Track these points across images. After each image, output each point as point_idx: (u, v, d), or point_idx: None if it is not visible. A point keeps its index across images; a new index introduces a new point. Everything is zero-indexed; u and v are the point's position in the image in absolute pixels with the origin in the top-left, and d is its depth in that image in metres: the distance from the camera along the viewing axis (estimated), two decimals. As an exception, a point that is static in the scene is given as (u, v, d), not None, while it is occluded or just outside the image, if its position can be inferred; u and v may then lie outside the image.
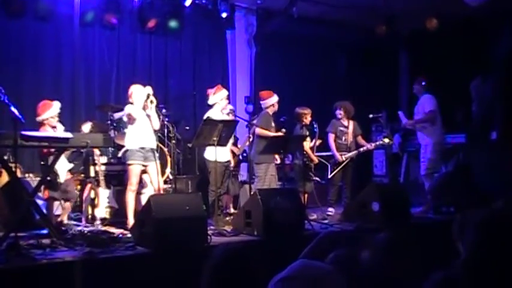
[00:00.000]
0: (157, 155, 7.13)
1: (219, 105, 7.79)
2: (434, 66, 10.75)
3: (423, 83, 8.67)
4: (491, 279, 1.64)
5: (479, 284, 1.67)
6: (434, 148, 8.56)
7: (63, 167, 6.97)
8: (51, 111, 6.91)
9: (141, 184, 7.19)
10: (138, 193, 7.11)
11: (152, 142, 7.05)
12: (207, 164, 7.75)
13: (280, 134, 8.03)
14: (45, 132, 6.63)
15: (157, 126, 7.10)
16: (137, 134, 6.92)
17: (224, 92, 7.92)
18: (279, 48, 11.67)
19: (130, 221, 6.71)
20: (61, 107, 7.06)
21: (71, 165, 7.28)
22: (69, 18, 9.28)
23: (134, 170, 6.85)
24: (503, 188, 7.68)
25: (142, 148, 6.88)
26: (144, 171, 6.98)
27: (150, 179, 7.07)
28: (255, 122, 8.29)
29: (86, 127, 7.37)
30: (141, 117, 6.98)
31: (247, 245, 5.74)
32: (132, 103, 6.99)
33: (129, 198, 6.85)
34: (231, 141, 7.95)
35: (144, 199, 6.86)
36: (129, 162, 6.89)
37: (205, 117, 7.40)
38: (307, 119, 8.38)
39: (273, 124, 8.08)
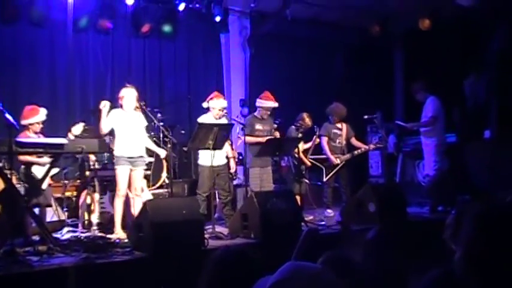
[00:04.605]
0: (147, 160, 7.04)
1: (213, 112, 7.50)
2: (429, 65, 10.75)
3: (423, 86, 8.68)
4: (493, 272, 1.64)
5: (481, 277, 1.66)
6: (437, 149, 8.57)
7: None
8: (37, 117, 6.80)
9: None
10: (131, 197, 7.01)
11: (141, 150, 6.97)
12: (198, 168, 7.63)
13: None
14: (29, 137, 6.50)
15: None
16: (125, 142, 6.83)
17: (222, 102, 7.59)
18: (274, 50, 11.69)
19: (118, 227, 6.69)
20: (47, 114, 6.95)
21: (56, 170, 7.21)
22: (63, 24, 9.27)
23: (121, 174, 6.74)
24: (498, 185, 7.72)
25: (130, 157, 6.80)
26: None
27: (132, 183, 6.89)
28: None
29: (77, 128, 7.11)
30: (130, 123, 6.90)
31: (247, 247, 5.77)
32: (121, 105, 6.93)
33: (117, 204, 6.75)
34: (226, 146, 7.79)
35: (137, 203, 6.81)
36: (116, 166, 6.81)
37: (199, 121, 7.32)
38: (304, 125, 8.45)
39: (257, 127, 7.94)
